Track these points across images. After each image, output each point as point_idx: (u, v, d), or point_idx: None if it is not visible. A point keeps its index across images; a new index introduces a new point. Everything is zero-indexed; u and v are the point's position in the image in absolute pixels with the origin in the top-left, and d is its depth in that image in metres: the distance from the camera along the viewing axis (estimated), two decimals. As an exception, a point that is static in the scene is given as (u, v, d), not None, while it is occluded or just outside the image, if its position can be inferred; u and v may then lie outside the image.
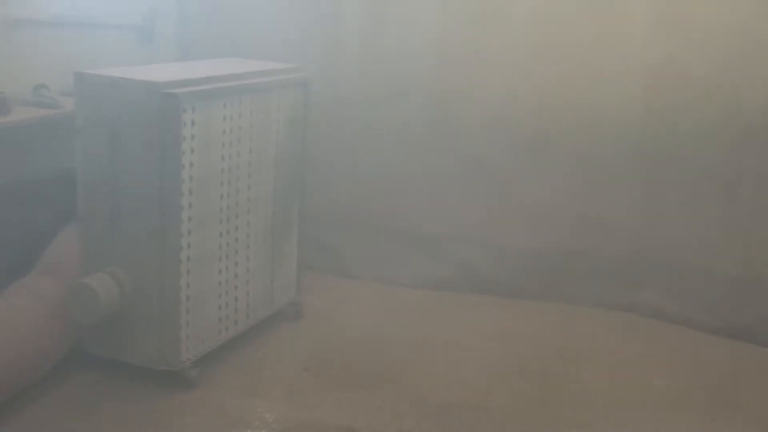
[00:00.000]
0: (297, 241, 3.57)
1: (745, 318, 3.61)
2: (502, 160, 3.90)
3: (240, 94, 3.06)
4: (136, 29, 3.95)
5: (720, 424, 2.91)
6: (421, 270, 4.06)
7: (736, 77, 3.51)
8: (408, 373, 3.16)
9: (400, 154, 4.03)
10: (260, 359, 3.21)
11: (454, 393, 3.03)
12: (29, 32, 3.34)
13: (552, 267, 3.91)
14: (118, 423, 2.71)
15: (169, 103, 2.72)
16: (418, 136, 3.98)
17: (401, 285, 4.03)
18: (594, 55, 3.69)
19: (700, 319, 3.69)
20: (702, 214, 3.66)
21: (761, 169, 3.54)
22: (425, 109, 3.95)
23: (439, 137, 3.96)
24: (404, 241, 4.09)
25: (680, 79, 3.59)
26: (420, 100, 3.95)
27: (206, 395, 2.90)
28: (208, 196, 2.95)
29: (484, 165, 3.93)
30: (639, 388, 3.14)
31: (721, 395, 3.12)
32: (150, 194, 2.78)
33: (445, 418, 2.86)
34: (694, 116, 3.60)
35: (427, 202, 4.03)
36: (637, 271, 3.81)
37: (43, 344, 2.80)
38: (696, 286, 3.71)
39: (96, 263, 2.88)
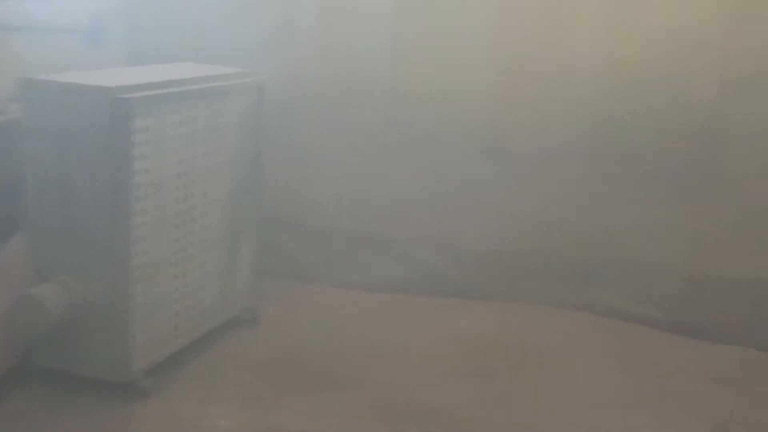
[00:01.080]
0: (254, 246, 3.54)
1: (696, 314, 3.69)
2: (459, 164, 3.93)
3: (193, 99, 3.02)
4: (85, 33, 3.88)
5: (671, 420, 2.96)
6: (379, 273, 4.06)
7: (680, 79, 3.58)
8: (367, 377, 3.15)
9: (358, 158, 4.03)
10: (217, 366, 3.17)
11: (413, 395, 3.03)
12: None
13: (508, 268, 3.95)
14: (70, 437, 2.66)
15: (120, 108, 2.68)
16: (376, 140, 3.99)
17: (360, 289, 4.02)
18: (545, 62, 3.74)
19: (653, 316, 3.75)
20: (652, 213, 3.73)
21: (707, 167, 3.61)
22: (383, 113, 3.96)
23: (397, 141, 3.98)
24: (363, 244, 4.09)
25: (628, 83, 3.65)
26: (378, 103, 3.96)
27: (161, 405, 2.85)
28: (162, 202, 2.91)
29: (442, 168, 3.95)
30: (594, 386, 3.18)
31: (672, 391, 3.17)
32: (101, 201, 2.73)
33: (405, 420, 2.86)
34: (642, 118, 3.66)
35: (386, 205, 4.04)
36: (591, 270, 3.86)
37: (-8, 356, 2.74)
38: (649, 284, 3.77)
39: (45, 272, 2.82)
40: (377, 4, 3.89)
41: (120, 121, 2.69)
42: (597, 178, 3.78)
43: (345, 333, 3.55)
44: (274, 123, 3.67)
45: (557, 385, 3.18)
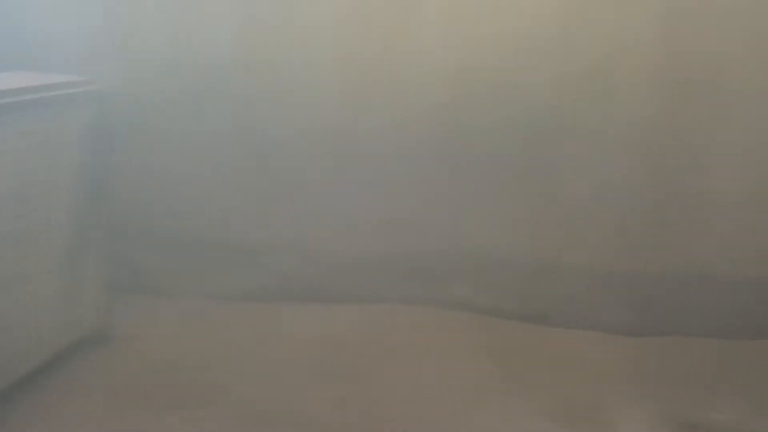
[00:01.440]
0: (102, 262, 3.41)
1: (544, 302, 3.86)
2: (310, 168, 3.93)
3: (20, 111, 2.87)
4: None
5: (523, 404, 3.06)
6: (236, 282, 4.00)
7: (524, 78, 3.73)
8: (230, 388, 3.09)
9: (209, 166, 3.96)
10: (65, 391, 3.02)
11: (277, 403, 3.00)
12: None
13: (365, 269, 3.98)
14: None
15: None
16: (227, 147, 3.94)
17: (217, 299, 3.96)
18: (394, 64, 3.80)
19: (505, 307, 3.88)
20: (499, 207, 3.86)
21: (551, 163, 3.78)
22: (233, 120, 3.91)
23: (249, 148, 3.93)
24: (218, 253, 4.02)
25: (476, 81, 3.77)
26: (226, 109, 3.90)
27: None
28: (-6, 221, 2.74)
29: (294, 174, 3.94)
30: (453, 379, 3.26)
31: (524, 377, 3.29)
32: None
33: (271, 427, 2.82)
34: (490, 116, 3.79)
35: (240, 213, 3.99)
36: (447, 267, 3.95)
37: None
38: (501, 277, 3.90)
39: None
40: (227, 12, 3.83)
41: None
42: (448, 175, 3.88)
43: (206, 344, 3.47)
44: (123, 134, 3.56)
45: (416, 381, 3.23)
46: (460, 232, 3.91)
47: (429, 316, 3.87)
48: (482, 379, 3.26)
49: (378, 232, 3.96)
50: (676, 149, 3.70)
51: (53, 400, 2.94)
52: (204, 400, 3.00)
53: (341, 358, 3.42)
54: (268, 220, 3.99)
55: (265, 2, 3.83)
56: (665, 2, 3.59)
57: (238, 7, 3.84)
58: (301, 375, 3.24)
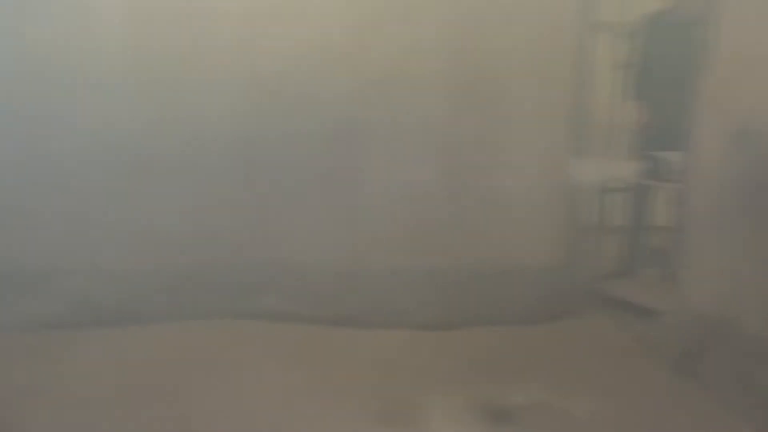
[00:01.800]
0: None
1: (351, 305, 3.93)
2: (104, 182, 3.74)
3: None
4: None
5: (341, 407, 3.11)
6: (27, 311, 3.71)
7: (321, 87, 3.78)
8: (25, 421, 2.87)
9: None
10: None
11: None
12: None
13: (170, 285, 3.85)
14: None
15: None
16: (17, 169, 3.66)
17: (7, 330, 3.65)
18: (190, 71, 3.73)
19: (315, 313, 3.91)
20: (304, 215, 3.89)
21: (351, 169, 3.87)
22: (18, 137, 3.64)
23: (36, 165, 3.67)
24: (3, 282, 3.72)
25: (269, 93, 3.77)
26: (9, 127, 3.62)
27: None
28: None
29: (88, 189, 3.75)
30: (269, 389, 3.23)
31: (341, 380, 3.33)
32: None
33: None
34: (289, 125, 3.80)
35: (27, 236, 3.71)
36: (253, 278, 3.91)
37: None
38: (310, 283, 3.93)
39: None
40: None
41: None
42: (251, 185, 3.85)
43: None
44: None
45: (233, 396, 3.17)
46: (266, 243, 3.89)
47: (240, 329, 3.81)
48: (299, 387, 3.26)
49: (181, 247, 3.84)
50: (468, 149, 3.90)
51: None
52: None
53: (158, 378, 3.28)
54: (61, 240, 3.74)
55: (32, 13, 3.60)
56: (453, 10, 3.78)
57: None
58: (115, 399, 3.07)
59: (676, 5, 4.24)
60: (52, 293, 3.77)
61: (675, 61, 4.13)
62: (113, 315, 3.81)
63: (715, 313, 3.33)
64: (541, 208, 3.96)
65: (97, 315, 3.79)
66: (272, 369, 3.42)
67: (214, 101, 3.76)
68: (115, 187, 3.76)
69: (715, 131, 3.37)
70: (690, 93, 3.54)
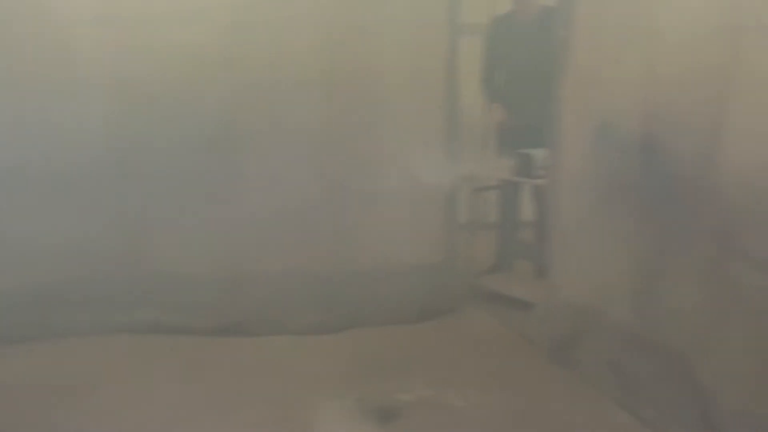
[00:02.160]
0: None
1: (234, 314, 3.87)
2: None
3: None
4: None
5: (228, 417, 3.07)
6: None
7: (193, 94, 3.72)
8: None
9: None
10: None
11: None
12: None
13: (36, 303, 3.67)
14: None
15: None
16: None
17: None
18: (57, 80, 3.60)
19: (196, 324, 3.83)
20: (181, 224, 3.81)
21: (228, 174, 3.82)
22: None
23: None
24: None
25: (142, 99, 3.68)
26: None
27: None
28: None
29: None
30: (152, 405, 3.15)
31: (228, 389, 3.28)
32: None
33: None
34: (162, 131, 3.73)
35: None
36: (128, 290, 3.79)
37: None
38: (191, 293, 3.85)
39: None
40: None
41: None
42: (124, 195, 3.74)
43: None
44: None
45: (116, 414, 3.07)
46: (144, 254, 3.78)
47: (117, 344, 3.69)
48: (183, 400, 3.18)
49: (53, 261, 3.68)
50: (346, 151, 3.93)
51: None
52: None
53: (22, 403, 3.13)
54: None
55: None
56: (326, 15, 3.79)
57: None
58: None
59: (522, 6, 4.40)
60: None
61: (528, 61, 4.30)
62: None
63: (584, 303, 3.50)
64: (418, 207, 4.04)
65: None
66: (157, 383, 3.33)
67: (84, 108, 3.61)
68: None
69: (576, 127, 3.54)
70: (548, 91, 3.70)
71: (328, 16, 3.80)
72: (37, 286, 3.68)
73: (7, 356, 3.53)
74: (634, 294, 3.20)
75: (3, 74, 3.54)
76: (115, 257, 3.77)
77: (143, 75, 3.66)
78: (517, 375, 3.47)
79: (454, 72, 4.04)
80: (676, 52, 2.91)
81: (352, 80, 3.87)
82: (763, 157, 2.56)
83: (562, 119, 3.63)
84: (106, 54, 3.63)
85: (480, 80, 4.56)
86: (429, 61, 3.95)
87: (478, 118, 4.83)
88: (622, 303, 3.25)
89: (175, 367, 3.50)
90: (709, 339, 2.79)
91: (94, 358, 3.55)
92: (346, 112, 3.90)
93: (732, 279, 2.69)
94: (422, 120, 3.99)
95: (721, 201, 2.73)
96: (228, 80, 3.74)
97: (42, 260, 3.68)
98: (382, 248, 4.02)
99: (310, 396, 3.24)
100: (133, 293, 3.80)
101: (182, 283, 3.84)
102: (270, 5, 3.74)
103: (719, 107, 2.71)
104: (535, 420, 3.08)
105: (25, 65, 3.55)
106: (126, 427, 2.99)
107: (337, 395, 3.24)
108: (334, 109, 3.88)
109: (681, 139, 2.93)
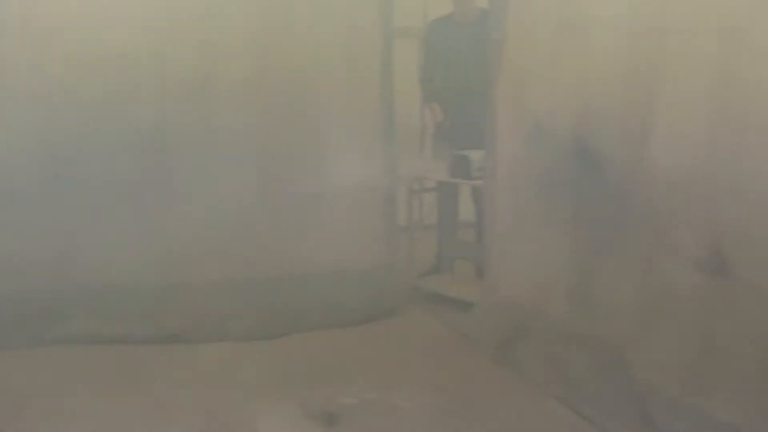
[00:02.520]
0: None
1: (171, 322, 3.81)
2: None
3: None
4: None
5: (166, 428, 3.03)
6: None
7: (121, 97, 3.65)
8: None
9: None
10: None
11: None
12: None
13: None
14: None
15: None
16: None
17: None
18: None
19: (133, 332, 3.76)
20: (115, 232, 3.73)
21: (163, 180, 3.77)
22: None
23: None
24: None
25: (73, 104, 3.60)
26: None
27: None
28: None
29: None
30: (89, 419, 3.07)
31: (163, 399, 3.23)
32: None
33: None
34: (94, 137, 3.65)
35: None
36: (63, 301, 3.70)
37: None
38: (124, 302, 3.77)
39: None
40: None
41: None
42: (50, 204, 3.64)
43: None
44: None
45: (48, 429, 3.00)
46: (74, 264, 3.69)
47: (52, 357, 3.59)
48: (121, 413, 3.12)
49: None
50: (282, 154, 3.90)
51: None
52: None
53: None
54: None
55: None
56: (259, 16, 3.75)
57: None
58: None
59: (461, 9, 4.44)
60: None
61: (466, 62, 4.35)
62: None
63: (523, 302, 3.55)
64: (357, 210, 4.04)
65: None
66: (93, 394, 3.26)
67: (7, 117, 3.51)
68: None
69: (511, 128, 3.59)
70: (483, 93, 3.75)
71: (261, 18, 3.77)
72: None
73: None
74: (570, 291, 3.27)
75: None
76: (47, 269, 3.66)
77: (70, 81, 3.58)
78: (459, 375, 3.50)
79: (390, 74, 4.06)
80: (608, 53, 2.97)
81: (287, 82, 3.85)
82: (690, 156, 2.64)
83: (497, 120, 3.67)
84: (28, 61, 3.53)
85: (419, 81, 4.59)
86: (364, 63, 3.96)
87: (415, 120, 4.86)
88: (561, 300, 3.31)
89: (113, 377, 3.42)
90: (644, 333, 2.87)
91: (29, 372, 3.46)
92: (281, 115, 3.88)
93: (664, 275, 2.77)
94: (359, 122, 3.99)
95: (652, 200, 2.80)
96: (158, 84, 3.68)
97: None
98: (321, 251, 4.00)
99: (252, 403, 3.21)
100: (68, 305, 3.70)
101: (119, 292, 3.75)
102: (200, 6, 3.69)
103: (648, 108, 2.79)
104: (479, 418, 3.11)
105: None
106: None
107: (279, 401, 3.22)
108: (269, 112, 3.86)
109: (612, 140, 3.01)
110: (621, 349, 2.95)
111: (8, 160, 3.55)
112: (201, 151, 3.79)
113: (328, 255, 4.02)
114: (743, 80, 2.45)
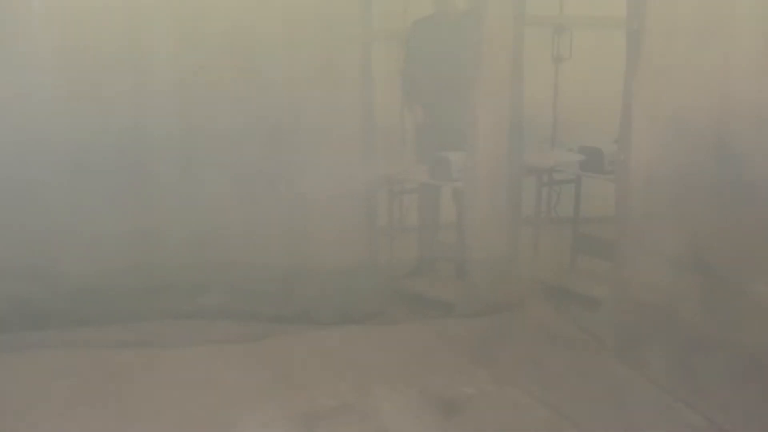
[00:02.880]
0: None
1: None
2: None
3: None
4: None
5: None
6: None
7: (101, 93, 3.66)
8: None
9: None
10: None
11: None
12: None
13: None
14: None
15: None
16: None
17: None
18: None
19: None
20: (93, 232, 3.72)
21: (137, 180, 3.77)
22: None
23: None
24: None
25: (56, 101, 3.62)
26: None
27: None
28: None
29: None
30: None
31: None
32: None
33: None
34: (69, 131, 3.65)
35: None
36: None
37: None
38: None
39: None
40: None
41: None
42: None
43: None
44: None
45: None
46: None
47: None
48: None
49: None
50: (261, 156, 3.91)
51: None
52: None
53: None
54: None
55: None
56: (237, 18, 3.76)
57: None
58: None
59: (439, 11, 4.45)
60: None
61: (448, 64, 4.35)
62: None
63: (505, 302, 3.54)
64: (338, 211, 4.03)
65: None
66: (69, 400, 3.22)
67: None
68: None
69: (490, 129, 3.58)
70: (463, 94, 3.74)
71: (240, 19, 3.77)
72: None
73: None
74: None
75: None
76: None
77: (49, 79, 3.55)
78: (441, 375, 3.49)
79: (370, 75, 4.05)
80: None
81: (266, 84, 3.85)
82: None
83: (477, 121, 3.67)
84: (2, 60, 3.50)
85: (401, 82, 4.59)
86: (344, 64, 3.96)
87: (396, 121, 4.85)
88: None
89: (85, 382, 3.38)
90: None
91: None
92: (259, 116, 3.87)
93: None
94: (339, 123, 3.99)
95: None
96: (136, 81, 3.67)
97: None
98: (302, 252, 3.99)
99: (231, 407, 3.19)
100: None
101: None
102: (180, 7, 3.68)
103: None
104: (461, 416, 3.12)
105: None
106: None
107: (258, 404, 3.20)
108: (249, 113, 3.85)
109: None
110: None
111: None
112: (180, 150, 3.79)
113: (309, 255, 4.02)
114: None
